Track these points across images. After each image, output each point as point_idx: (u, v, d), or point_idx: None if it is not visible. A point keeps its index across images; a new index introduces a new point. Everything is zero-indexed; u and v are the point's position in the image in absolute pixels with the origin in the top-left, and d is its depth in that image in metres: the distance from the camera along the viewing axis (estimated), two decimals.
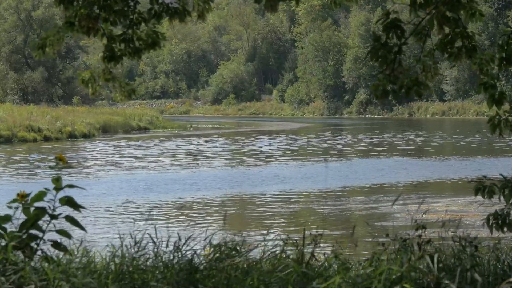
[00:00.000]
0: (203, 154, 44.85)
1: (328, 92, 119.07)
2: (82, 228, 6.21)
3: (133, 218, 21.43)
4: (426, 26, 6.15)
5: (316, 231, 6.50)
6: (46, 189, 6.21)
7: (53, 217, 6.17)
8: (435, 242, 6.44)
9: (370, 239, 7.17)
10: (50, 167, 6.41)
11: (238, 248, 6.19)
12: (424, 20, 6.10)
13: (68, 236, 6.15)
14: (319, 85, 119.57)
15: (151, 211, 23.02)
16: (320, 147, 49.84)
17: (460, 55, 6.25)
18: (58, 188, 6.20)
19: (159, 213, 22.89)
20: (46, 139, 56.35)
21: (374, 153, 44.25)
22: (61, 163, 6.37)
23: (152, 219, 21.22)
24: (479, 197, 7.17)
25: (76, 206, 6.24)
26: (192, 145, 52.93)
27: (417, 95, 6.13)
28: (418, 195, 25.93)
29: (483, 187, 7.17)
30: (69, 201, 6.21)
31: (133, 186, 29.18)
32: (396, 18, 6.03)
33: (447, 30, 6.12)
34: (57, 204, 6.22)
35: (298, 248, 6.24)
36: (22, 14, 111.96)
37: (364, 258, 6.26)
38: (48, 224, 6.17)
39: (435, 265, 5.59)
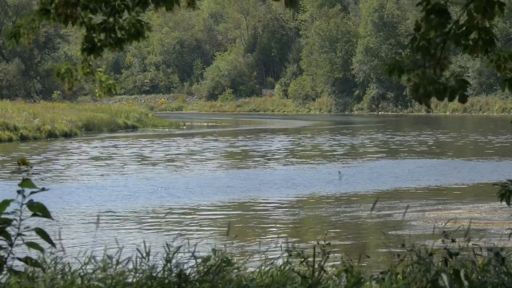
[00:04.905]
0: (197, 156, 44.79)
1: (336, 87, 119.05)
2: (52, 243, 6.14)
3: (116, 227, 21.37)
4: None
5: (324, 241, 6.43)
6: (7, 200, 6.15)
7: (20, 234, 6.13)
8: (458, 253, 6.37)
9: (385, 250, 7.10)
10: (15, 171, 6.35)
11: (233, 259, 6.13)
12: (465, 8, 6.00)
13: (40, 249, 6.07)
14: (326, 79, 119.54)
15: (139, 219, 22.98)
16: (328, 148, 49.78)
17: (476, 48, 6.18)
18: (22, 198, 6.16)
19: (148, 221, 22.83)
20: (23, 138, 56.33)
21: (388, 155, 44.19)
22: (24, 167, 6.33)
23: (141, 228, 21.17)
24: (505, 203, 7.10)
25: (46, 214, 6.18)
26: (186, 145, 52.87)
27: (461, 101, 5.99)
28: (437, 201, 25.89)
29: (508, 193, 7.10)
30: (37, 214, 6.15)
31: (117, 192, 29.09)
32: (439, 2, 5.94)
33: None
34: (26, 211, 6.17)
35: (304, 260, 6.18)
36: None
37: (377, 271, 6.20)
38: (15, 238, 6.11)
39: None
